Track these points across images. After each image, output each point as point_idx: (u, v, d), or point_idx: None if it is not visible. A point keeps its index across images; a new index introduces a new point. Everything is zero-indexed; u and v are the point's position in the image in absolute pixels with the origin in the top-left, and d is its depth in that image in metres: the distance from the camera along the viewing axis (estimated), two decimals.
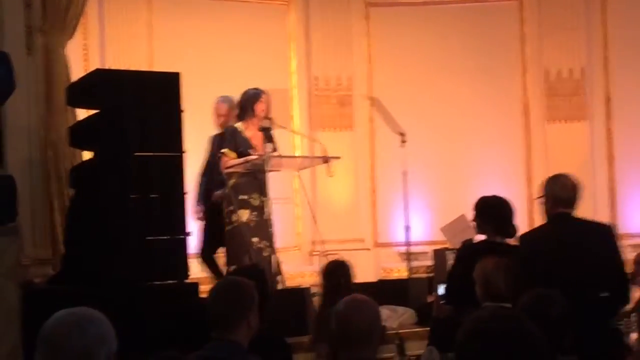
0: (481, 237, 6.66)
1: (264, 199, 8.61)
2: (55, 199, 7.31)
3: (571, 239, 5.75)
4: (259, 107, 8.83)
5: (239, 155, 8.70)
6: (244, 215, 8.61)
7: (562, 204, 5.88)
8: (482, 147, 12.56)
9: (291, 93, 12.23)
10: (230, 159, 8.67)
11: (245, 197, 8.65)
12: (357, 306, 3.76)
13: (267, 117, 8.80)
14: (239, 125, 8.88)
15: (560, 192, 5.90)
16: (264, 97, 8.87)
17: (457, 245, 7.15)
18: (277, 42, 12.28)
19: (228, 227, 8.67)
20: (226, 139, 8.84)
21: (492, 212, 6.57)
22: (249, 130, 8.86)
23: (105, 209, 6.36)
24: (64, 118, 7.57)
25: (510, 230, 6.50)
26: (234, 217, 8.61)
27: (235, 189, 8.66)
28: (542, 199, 6.03)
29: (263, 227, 8.56)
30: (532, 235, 6.19)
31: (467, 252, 6.58)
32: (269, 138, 8.75)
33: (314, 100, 12.33)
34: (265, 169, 8.41)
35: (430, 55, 12.63)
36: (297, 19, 12.37)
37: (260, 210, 8.64)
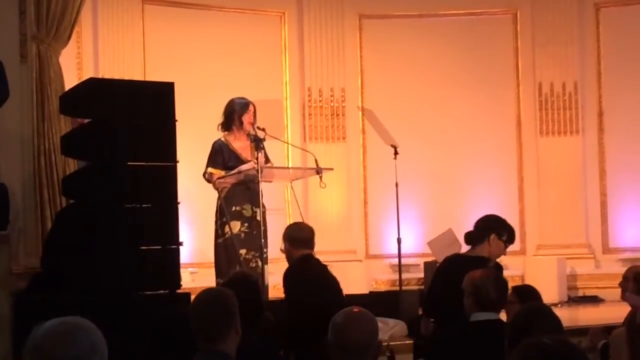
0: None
1: (256, 209, 8.58)
2: (48, 207, 7.29)
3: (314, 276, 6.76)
4: (247, 119, 8.79)
5: (229, 170, 8.67)
6: (236, 227, 8.59)
7: (302, 244, 6.81)
8: (475, 159, 12.57)
9: (284, 104, 12.24)
10: (216, 175, 8.64)
11: (238, 208, 8.63)
12: (355, 319, 3.75)
13: (259, 128, 8.78)
14: (225, 137, 8.84)
15: (298, 234, 6.85)
16: (251, 108, 8.84)
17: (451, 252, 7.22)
18: (271, 53, 12.30)
19: (219, 240, 8.65)
20: (211, 156, 8.79)
21: (481, 225, 6.66)
22: (237, 142, 8.83)
23: (97, 218, 6.35)
24: (57, 127, 7.57)
25: (510, 240, 6.62)
26: (226, 229, 8.60)
27: (227, 200, 8.64)
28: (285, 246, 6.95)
29: (253, 238, 8.53)
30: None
31: (448, 264, 6.68)
32: (259, 148, 8.70)
33: (306, 111, 12.34)
34: (259, 179, 8.39)
35: (423, 68, 12.66)
36: (290, 30, 12.39)
37: (251, 221, 8.62)
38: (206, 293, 4.36)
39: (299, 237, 6.86)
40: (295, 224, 7.23)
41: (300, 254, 6.79)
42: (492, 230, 6.70)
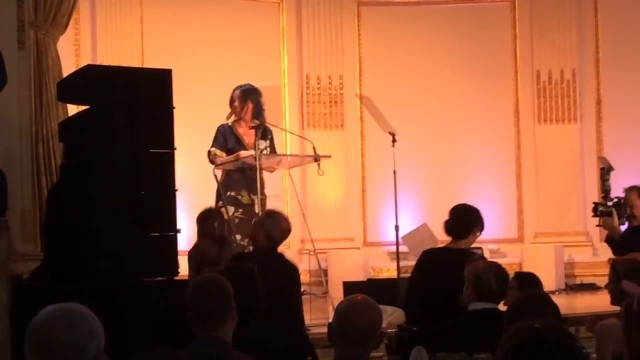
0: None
1: (254, 196, 8.61)
2: (45, 194, 7.29)
3: None
4: (243, 107, 8.87)
5: (229, 153, 8.72)
6: (229, 211, 8.62)
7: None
8: (473, 147, 12.57)
9: (282, 91, 12.23)
10: (219, 158, 8.70)
11: (233, 193, 8.66)
12: (359, 307, 3.77)
13: (257, 118, 8.82)
14: (230, 122, 8.90)
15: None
16: (251, 98, 8.88)
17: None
18: (269, 40, 12.29)
19: None
20: (215, 137, 8.85)
21: (454, 217, 6.70)
22: (242, 128, 8.87)
23: (95, 204, 6.34)
24: (55, 113, 7.56)
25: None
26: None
27: (224, 185, 8.70)
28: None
29: (248, 225, 8.55)
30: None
31: (426, 258, 6.70)
32: (263, 136, 8.76)
33: (304, 99, 12.34)
34: (258, 166, 8.41)
35: (422, 55, 12.65)
36: (289, 17, 12.38)
37: (247, 207, 8.65)
38: (201, 280, 4.37)
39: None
40: (281, 218, 7.17)
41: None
42: (478, 223, 6.75)
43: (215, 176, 8.74)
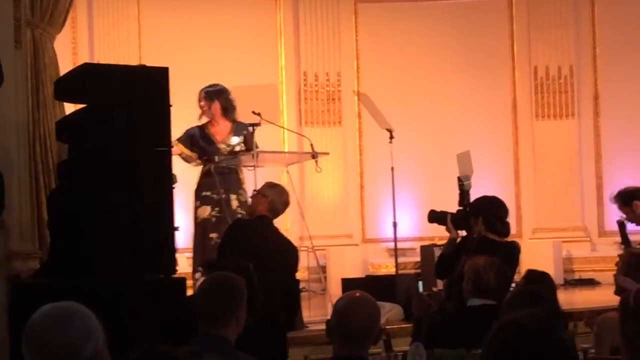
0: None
1: (233, 194, 8.69)
2: (43, 193, 7.29)
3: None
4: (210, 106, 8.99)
5: (198, 150, 8.84)
6: (205, 211, 8.69)
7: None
8: (471, 143, 12.49)
9: (280, 88, 12.23)
10: (178, 150, 8.74)
11: (208, 193, 8.73)
12: (357, 303, 3.78)
13: (255, 112, 8.81)
14: (202, 123, 8.99)
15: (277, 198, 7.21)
16: (198, 97, 8.99)
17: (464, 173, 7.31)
18: (266, 38, 12.29)
19: (195, 224, 8.80)
20: (184, 133, 8.94)
21: (484, 210, 6.70)
22: (214, 127, 8.95)
23: (92, 203, 6.34)
24: (52, 112, 7.55)
25: (501, 228, 6.65)
26: (199, 213, 8.73)
27: (200, 185, 8.80)
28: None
29: (225, 223, 8.57)
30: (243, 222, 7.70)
31: (480, 246, 6.70)
32: (236, 132, 8.84)
33: (302, 96, 12.34)
34: (256, 163, 8.46)
35: (419, 52, 12.65)
36: (286, 14, 12.39)
37: (223, 205, 8.68)
38: (215, 276, 4.36)
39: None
40: (283, 190, 7.40)
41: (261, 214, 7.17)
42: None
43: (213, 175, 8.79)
